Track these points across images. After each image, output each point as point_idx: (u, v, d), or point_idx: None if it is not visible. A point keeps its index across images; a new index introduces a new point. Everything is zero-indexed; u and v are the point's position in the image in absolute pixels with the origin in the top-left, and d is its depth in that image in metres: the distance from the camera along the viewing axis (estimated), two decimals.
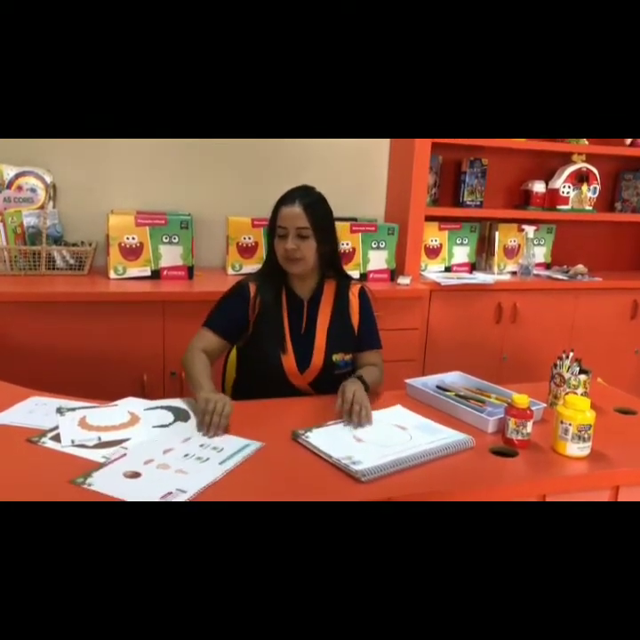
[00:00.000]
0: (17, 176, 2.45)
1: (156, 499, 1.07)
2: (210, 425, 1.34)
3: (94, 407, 1.45)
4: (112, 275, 2.42)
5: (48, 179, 2.50)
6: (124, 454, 1.23)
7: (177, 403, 1.50)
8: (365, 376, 1.58)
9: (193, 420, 1.40)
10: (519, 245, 3.04)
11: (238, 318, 1.67)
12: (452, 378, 1.70)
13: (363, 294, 1.76)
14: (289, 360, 1.64)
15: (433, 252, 2.94)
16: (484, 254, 3.07)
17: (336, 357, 1.67)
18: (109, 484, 1.11)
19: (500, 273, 3.00)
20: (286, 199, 1.65)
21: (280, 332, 1.65)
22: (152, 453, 1.24)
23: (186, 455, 1.24)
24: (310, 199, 1.65)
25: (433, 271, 2.92)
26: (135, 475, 1.16)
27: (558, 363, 1.58)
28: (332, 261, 1.74)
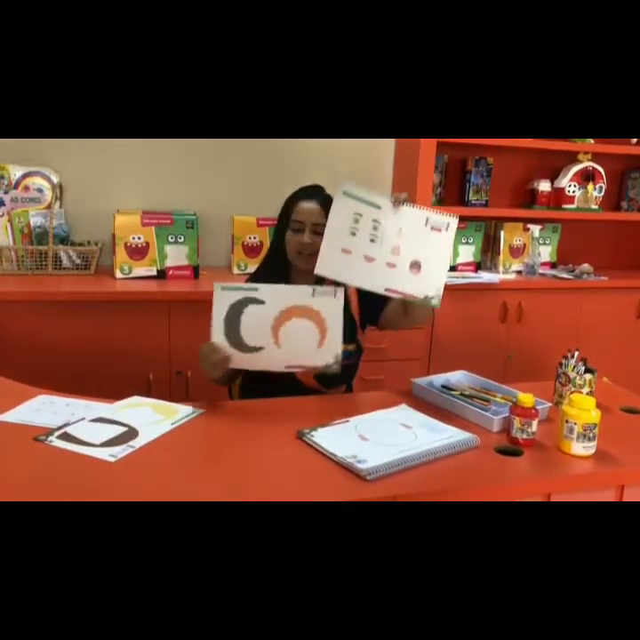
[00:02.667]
0: (24, 176, 2.47)
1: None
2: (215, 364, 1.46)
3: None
4: (118, 274, 2.44)
5: (55, 179, 2.51)
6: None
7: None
8: None
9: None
10: (524, 244, 3.03)
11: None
12: (457, 377, 1.71)
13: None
14: None
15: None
16: (489, 253, 3.06)
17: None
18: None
19: (505, 272, 2.99)
20: (303, 195, 1.67)
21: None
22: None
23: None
24: (325, 197, 1.67)
25: None
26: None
27: (563, 362, 1.58)
28: None
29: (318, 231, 1.63)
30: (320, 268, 1.49)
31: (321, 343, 1.49)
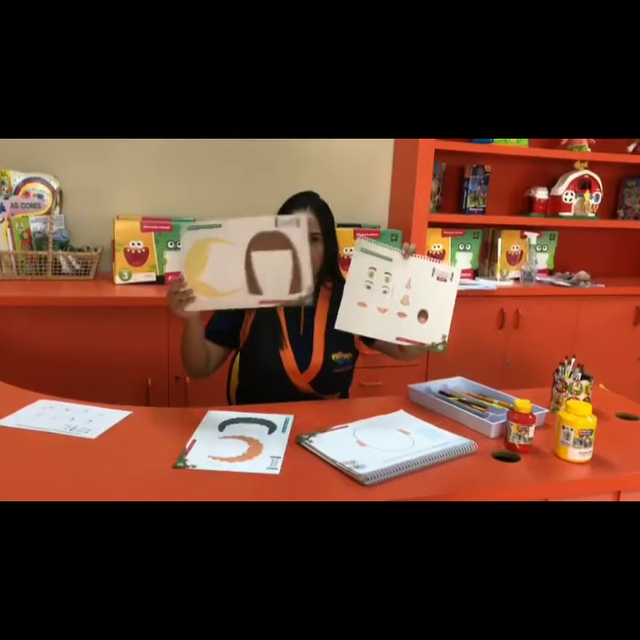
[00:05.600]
0: (24, 182, 2.48)
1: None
2: (180, 299, 1.41)
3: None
4: (117, 280, 2.44)
5: (55, 185, 2.52)
6: None
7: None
8: None
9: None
10: (522, 252, 3.05)
11: (232, 324, 1.72)
12: (455, 383, 1.71)
13: None
14: (288, 358, 1.66)
15: (436, 258, 2.94)
16: (486, 260, 3.08)
17: (335, 356, 1.70)
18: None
19: (502, 279, 3.01)
20: (297, 204, 1.66)
21: (278, 331, 1.68)
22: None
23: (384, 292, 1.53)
24: (319, 204, 1.69)
25: None
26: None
27: (560, 368, 1.59)
28: (331, 266, 1.76)
29: (314, 239, 1.64)
30: (340, 324, 1.53)
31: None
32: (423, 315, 1.55)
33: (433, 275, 1.55)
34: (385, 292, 1.53)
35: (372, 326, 1.55)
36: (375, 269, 1.53)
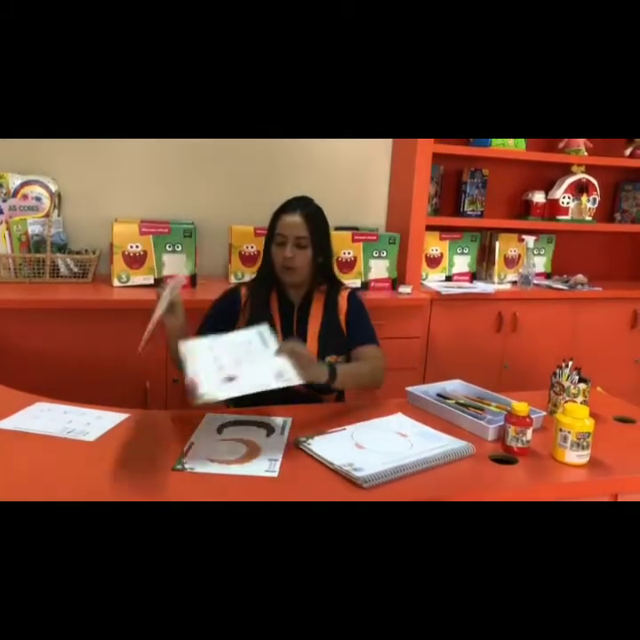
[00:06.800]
0: (22, 185, 2.48)
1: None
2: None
3: None
4: (116, 282, 2.44)
5: (53, 187, 2.53)
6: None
7: None
8: (343, 365, 1.61)
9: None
10: (519, 255, 3.06)
11: (226, 327, 1.70)
12: (453, 386, 1.72)
13: (351, 297, 1.80)
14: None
15: (434, 262, 2.96)
16: (484, 264, 3.09)
17: (329, 359, 1.70)
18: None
19: (500, 282, 3.02)
20: (287, 208, 1.69)
21: (273, 333, 1.68)
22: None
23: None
24: (310, 209, 1.70)
25: (434, 280, 2.95)
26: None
27: (558, 371, 1.60)
28: (325, 272, 1.77)
29: (301, 244, 1.66)
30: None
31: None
32: (229, 380, 1.36)
33: (277, 375, 1.35)
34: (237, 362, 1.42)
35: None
36: (250, 343, 1.49)
